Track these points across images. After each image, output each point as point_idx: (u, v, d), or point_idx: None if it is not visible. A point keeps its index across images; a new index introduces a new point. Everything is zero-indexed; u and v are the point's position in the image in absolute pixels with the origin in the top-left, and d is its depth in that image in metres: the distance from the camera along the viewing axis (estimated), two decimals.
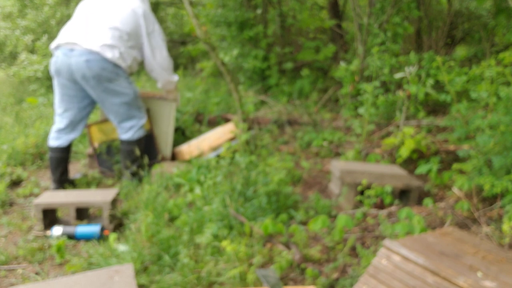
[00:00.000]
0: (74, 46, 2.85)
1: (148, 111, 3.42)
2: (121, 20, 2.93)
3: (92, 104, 3.12)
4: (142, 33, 3.05)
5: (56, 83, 3.02)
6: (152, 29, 3.08)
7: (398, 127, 3.68)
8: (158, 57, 3.15)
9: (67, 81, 2.93)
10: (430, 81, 3.29)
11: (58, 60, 2.89)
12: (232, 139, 3.52)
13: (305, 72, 5.50)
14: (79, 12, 3.07)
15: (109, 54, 2.84)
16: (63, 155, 3.07)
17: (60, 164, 3.06)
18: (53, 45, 2.98)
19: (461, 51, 6.01)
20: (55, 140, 3.07)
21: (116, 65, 2.91)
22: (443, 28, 4.94)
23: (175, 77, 3.40)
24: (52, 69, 2.96)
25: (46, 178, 3.41)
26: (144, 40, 3.07)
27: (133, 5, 3.01)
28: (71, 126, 3.08)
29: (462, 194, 2.41)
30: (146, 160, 3.10)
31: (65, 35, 2.93)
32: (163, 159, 3.52)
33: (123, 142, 3.12)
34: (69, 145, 3.11)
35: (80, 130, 3.14)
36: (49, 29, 6.70)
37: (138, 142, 3.13)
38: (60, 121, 3.08)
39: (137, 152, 3.09)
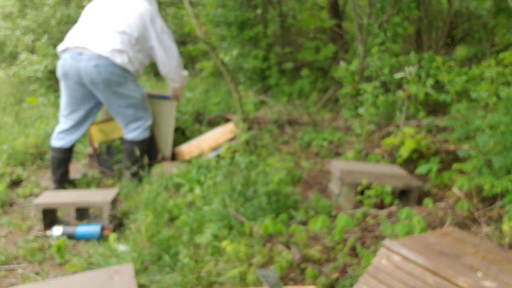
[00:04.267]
0: (83, 50, 2.85)
1: None
2: (128, 24, 2.93)
3: (98, 106, 3.15)
4: (150, 37, 3.05)
5: (63, 85, 3.03)
6: (161, 31, 3.07)
7: (398, 127, 3.68)
8: (172, 58, 3.16)
9: (75, 84, 2.94)
10: (430, 81, 3.29)
11: (66, 64, 2.89)
12: (232, 139, 3.52)
13: (305, 72, 5.50)
14: (86, 15, 3.06)
15: (119, 59, 2.85)
16: (65, 156, 3.08)
17: (61, 165, 3.06)
18: (60, 47, 2.97)
19: (461, 51, 6.01)
20: (58, 141, 3.08)
21: (124, 70, 2.93)
22: (443, 28, 4.94)
23: (186, 72, 3.43)
24: (59, 71, 2.96)
25: (46, 178, 3.42)
26: (155, 43, 3.07)
27: (140, 8, 3.00)
28: (75, 127, 3.10)
29: (462, 194, 2.41)
30: (146, 160, 3.10)
31: (73, 38, 2.93)
32: (163, 159, 3.52)
33: (127, 141, 3.13)
34: (72, 146, 3.12)
35: (84, 131, 3.15)
36: (49, 29, 6.70)
37: (142, 142, 3.15)
38: (65, 122, 3.09)
39: (138, 152, 3.09)
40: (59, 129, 3.09)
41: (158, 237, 2.12)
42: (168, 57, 3.15)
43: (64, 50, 2.94)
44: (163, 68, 3.21)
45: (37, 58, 5.95)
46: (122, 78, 2.92)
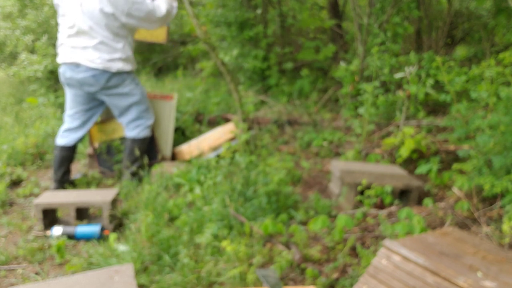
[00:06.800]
0: (78, 64, 2.93)
1: None
2: (100, 31, 2.90)
3: (102, 105, 3.21)
4: (122, 21, 2.94)
5: (66, 89, 3.13)
6: (128, 8, 2.90)
7: (398, 127, 3.68)
8: (150, 22, 3.06)
9: (77, 90, 3.06)
10: (430, 81, 3.29)
11: (66, 74, 3.00)
12: (232, 139, 3.52)
13: (305, 72, 5.50)
14: (66, 24, 2.97)
15: (114, 68, 2.95)
16: (68, 154, 3.13)
17: (63, 163, 3.10)
18: (58, 60, 3.05)
19: (461, 51, 6.01)
20: (62, 139, 3.13)
21: (122, 73, 3.02)
22: (443, 28, 4.94)
23: (174, 12, 3.17)
24: (61, 79, 3.07)
25: (46, 178, 3.42)
26: (129, 25, 2.99)
27: (101, 4, 2.86)
28: (81, 125, 3.17)
29: (462, 194, 2.41)
30: (146, 160, 3.11)
31: (66, 53, 2.98)
32: (163, 159, 3.52)
33: (127, 140, 3.18)
34: (75, 145, 3.17)
35: (87, 129, 3.20)
36: (49, 29, 6.69)
37: (142, 141, 3.18)
38: (70, 121, 3.16)
39: (137, 152, 3.11)
40: (64, 128, 3.16)
41: (158, 237, 2.12)
42: (144, 25, 3.07)
43: (62, 63, 3.02)
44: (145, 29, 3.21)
45: (37, 58, 5.95)
46: (120, 80, 3.03)
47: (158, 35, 3.66)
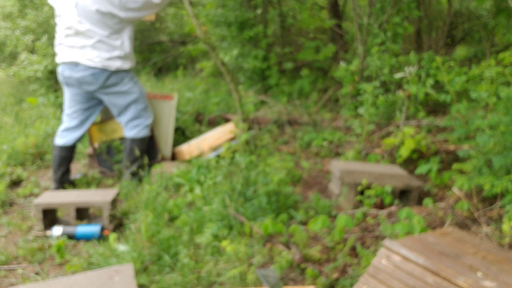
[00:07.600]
0: (77, 63, 2.94)
1: None
2: (97, 30, 2.91)
3: (101, 104, 3.22)
4: (120, 18, 2.95)
5: (65, 88, 3.14)
6: (124, 3, 2.91)
7: (398, 127, 3.68)
8: (147, 12, 3.09)
9: (76, 89, 3.06)
10: (430, 81, 3.29)
11: (65, 73, 3.00)
12: (232, 139, 3.52)
13: (305, 72, 5.49)
14: (63, 25, 2.98)
15: (113, 67, 2.96)
16: (67, 154, 3.13)
17: (63, 163, 3.10)
18: (57, 59, 3.07)
19: (461, 51, 6.01)
20: (61, 138, 3.14)
21: (120, 71, 3.02)
22: (443, 28, 4.94)
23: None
24: (60, 78, 3.08)
25: (46, 178, 3.42)
26: (128, 19, 3.00)
27: (96, 4, 2.86)
28: (79, 125, 3.17)
29: (462, 194, 2.41)
30: (146, 160, 3.11)
31: (64, 52, 2.99)
32: (163, 159, 3.52)
33: (127, 140, 3.18)
34: (74, 144, 3.17)
35: (86, 128, 3.21)
36: (49, 29, 6.68)
37: (141, 141, 3.18)
38: (69, 120, 3.16)
39: (137, 152, 3.12)
40: (63, 127, 3.16)
41: (158, 237, 2.12)
42: (144, 14, 3.09)
43: (61, 62, 3.03)
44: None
45: (37, 58, 5.94)
46: (119, 78, 3.04)
47: None
